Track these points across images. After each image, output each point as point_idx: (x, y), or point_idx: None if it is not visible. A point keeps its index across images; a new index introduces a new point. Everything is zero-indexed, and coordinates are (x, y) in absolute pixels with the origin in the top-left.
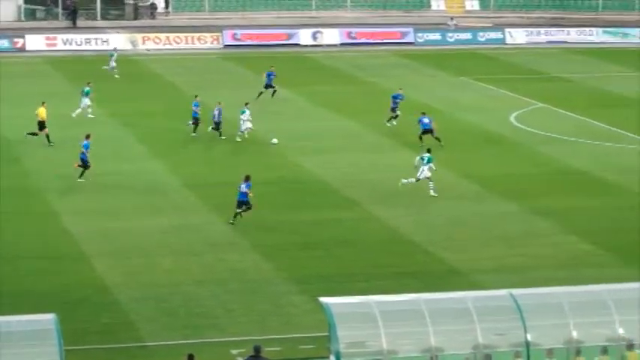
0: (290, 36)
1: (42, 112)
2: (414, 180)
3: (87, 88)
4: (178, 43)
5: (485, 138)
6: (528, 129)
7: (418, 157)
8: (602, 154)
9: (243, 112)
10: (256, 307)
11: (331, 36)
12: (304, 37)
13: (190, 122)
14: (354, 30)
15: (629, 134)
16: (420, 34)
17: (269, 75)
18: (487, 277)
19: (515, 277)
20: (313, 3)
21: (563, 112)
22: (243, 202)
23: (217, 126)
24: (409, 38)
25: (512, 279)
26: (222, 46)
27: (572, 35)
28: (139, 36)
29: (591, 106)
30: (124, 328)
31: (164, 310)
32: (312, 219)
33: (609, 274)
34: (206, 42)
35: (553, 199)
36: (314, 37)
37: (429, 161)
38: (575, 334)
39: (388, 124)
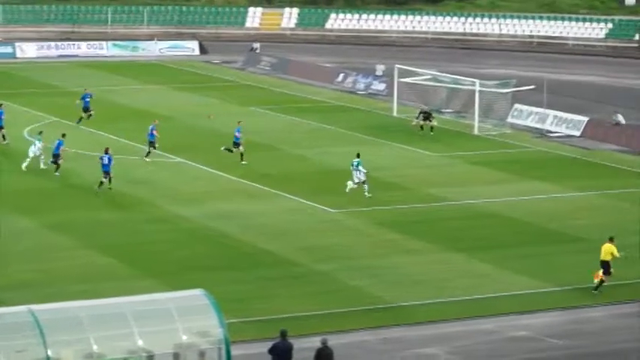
0: None
1: None
2: (354, 185)
3: None
4: None
5: None
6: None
7: (351, 164)
8: (120, 166)
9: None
10: None
11: None
12: None
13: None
14: None
15: (136, 145)
16: None
17: (84, 97)
18: (5, 294)
19: (33, 292)
20: None
21: (72, 124)
22: (108, 172)
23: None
24: None
25: (29, 295)
26: None
27: (83, 49)
28: None
29: (102, 119)
30: None
31: None
32: None
33: (127, 286)
34: None
35: (72, 213)
36: None
37: (358, 165)
38: (96, 347)
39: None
